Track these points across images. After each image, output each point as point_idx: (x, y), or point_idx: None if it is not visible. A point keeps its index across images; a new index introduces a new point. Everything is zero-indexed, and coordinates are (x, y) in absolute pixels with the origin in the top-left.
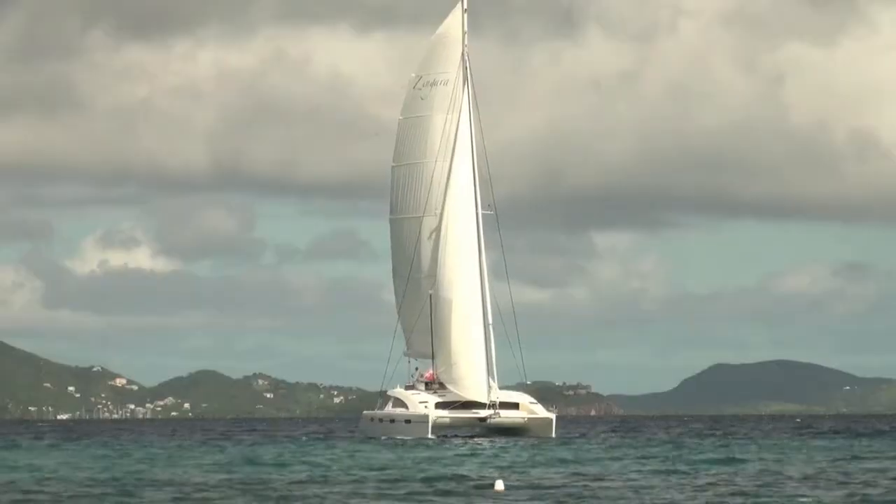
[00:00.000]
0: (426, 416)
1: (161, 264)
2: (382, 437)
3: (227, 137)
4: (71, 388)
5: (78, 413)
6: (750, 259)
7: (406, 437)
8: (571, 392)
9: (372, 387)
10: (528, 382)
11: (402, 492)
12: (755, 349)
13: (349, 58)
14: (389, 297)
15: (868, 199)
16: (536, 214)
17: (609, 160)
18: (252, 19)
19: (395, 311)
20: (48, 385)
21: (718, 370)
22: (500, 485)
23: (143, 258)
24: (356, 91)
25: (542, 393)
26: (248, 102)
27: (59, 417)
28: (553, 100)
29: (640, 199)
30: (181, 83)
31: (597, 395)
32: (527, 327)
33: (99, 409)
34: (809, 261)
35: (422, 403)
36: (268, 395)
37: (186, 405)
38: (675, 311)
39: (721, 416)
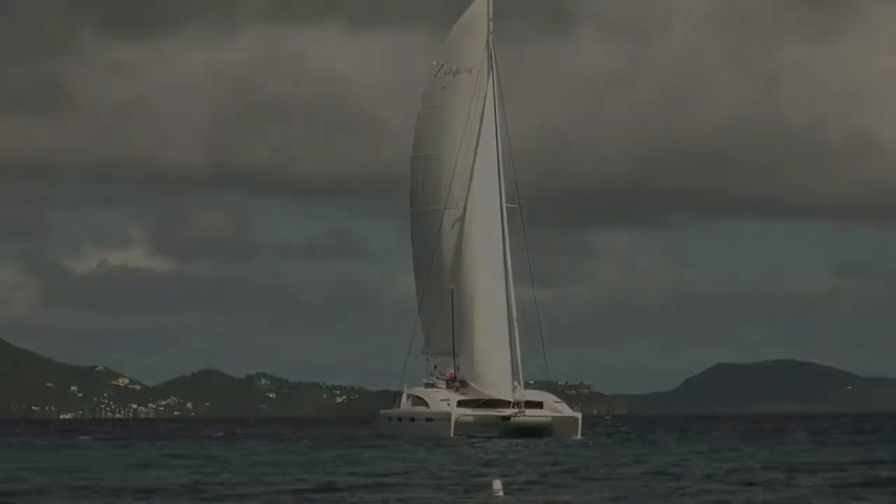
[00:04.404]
0: (448, 415)
1: (161, 263)
2: (403, 438)
3: (224, 136)
4: (74, 388)
5: (81, 413)
6: (750, 259)
7: (427, 437)
8: (573, 392)
9: (374, 386)
10: (531, 382)
11: (395, 487)
12: (757, 349)
13: (342, 56)
14: (392, 295)
15: (868, 198)
16: (536, 213)
17: (609, 160)
18: (243, 18)
19: (416, 308)
20: (51, 385)
21: (720, 370)
22: (497, 484)
23: (142, 257)
24: (351, 89)
25: None
26: (244, 101)
27: (61, 417)
28: (551, 98)
29: (641, 198)
30: (178, 82)
31: (599, 394)
32: (529, 327)
33: (101, 408)
34: (809, 261)
35: (443, 401)
36: (270, 395)
37: (189, 405)
38: (676, 310)
39: (719, 415)
